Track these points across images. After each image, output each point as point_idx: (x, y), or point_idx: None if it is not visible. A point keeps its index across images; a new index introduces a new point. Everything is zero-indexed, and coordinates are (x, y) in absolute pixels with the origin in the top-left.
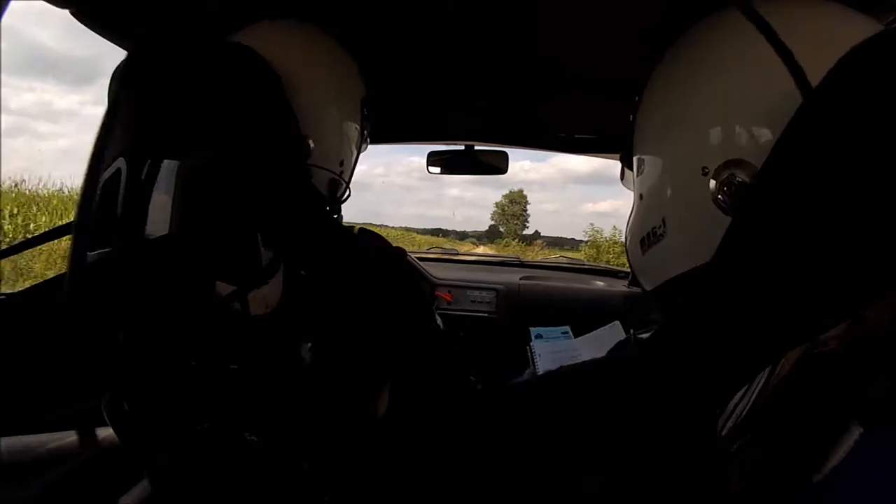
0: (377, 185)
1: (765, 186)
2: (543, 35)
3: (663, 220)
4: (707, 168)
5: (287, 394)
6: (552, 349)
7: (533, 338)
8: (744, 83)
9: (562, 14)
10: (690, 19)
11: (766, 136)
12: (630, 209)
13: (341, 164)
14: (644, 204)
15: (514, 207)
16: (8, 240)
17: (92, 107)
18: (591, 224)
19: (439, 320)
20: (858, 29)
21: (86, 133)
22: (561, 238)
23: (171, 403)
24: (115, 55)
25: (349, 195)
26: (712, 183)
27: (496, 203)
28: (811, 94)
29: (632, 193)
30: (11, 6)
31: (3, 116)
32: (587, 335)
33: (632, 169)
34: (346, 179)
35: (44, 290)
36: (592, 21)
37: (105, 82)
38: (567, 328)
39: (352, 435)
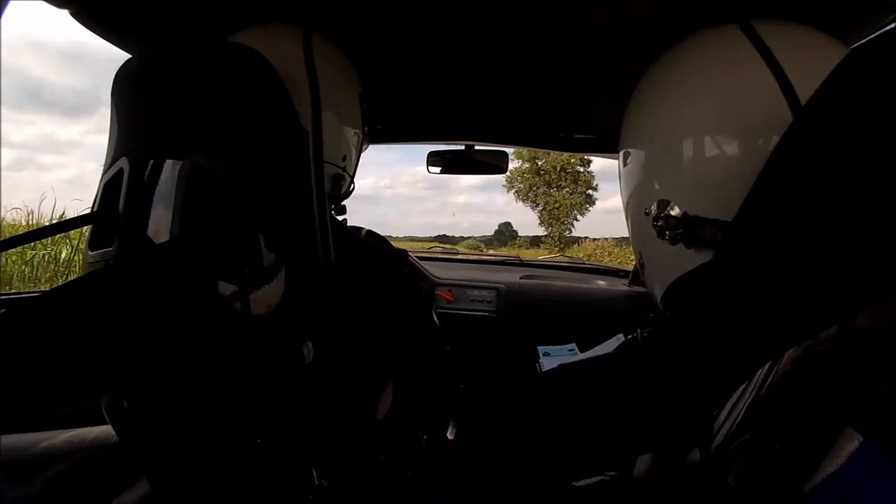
0: (384, 197)
1: (762, 192)
2: (543, 36)
3: (640, 254)
4: (648, 210)
5: (288, 394)
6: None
7: (541, 355)
8: (746, 99)
9: (561, 15)
10: (688, 21)
11: (687, 178)
12: None
13: (344, 158)
14: (630, 237)
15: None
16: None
17: (94, 136)
18: None
19: (436, 318)
20: (835, 53)
21: (89, 161)
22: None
23: (172, 403)
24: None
25: (353, 188)
26: (651, 220)
27: (513, 172)
28: (804, 105)
29: None
30: (8, 15)
31: (4, 151)
32: (593, 350)
33: None
34: (350, 174)
35: (49, 293)
36: (592, 22)
37: (104, 111)
38: (573, 345)
39: (353, 434)
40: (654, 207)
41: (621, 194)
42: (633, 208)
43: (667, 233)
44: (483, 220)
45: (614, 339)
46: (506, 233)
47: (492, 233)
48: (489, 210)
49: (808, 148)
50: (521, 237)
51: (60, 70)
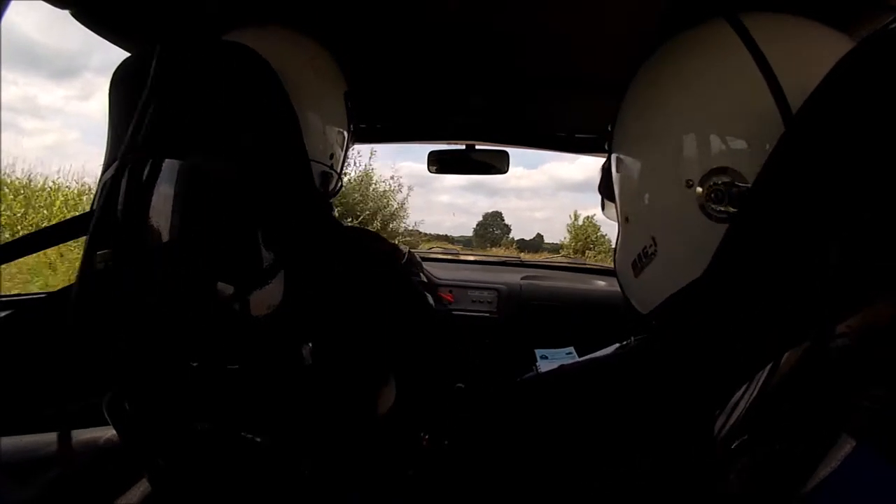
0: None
1: (762, 192)
2: (541, 36)
3: (653, 239)
4: (691, 180)
5: (288, 393)
6: None
7: (538, 359)
8: (723, 92)
9: (560, 15)
10: (687, 22)
11: (743, 144)
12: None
13: (331, 157)
14: (631, 226)
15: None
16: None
17: (77, 102)
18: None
19: (432, 300)
20: (832, 44)
21: (71, 129)
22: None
23: (172, 403)
24: (101, 49)
25: (341, 187)
26: (699, 191)
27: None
28: (806, 101)
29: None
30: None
31: None
32: (592, 355)
33: (612, 199)
34: (338, 171)
35: (52, 295)
36: (590, 22)
37: (90, 77)
38: (571, 349)
39: (353, 433)
40: (698, 179)
41: (621, 181)
42: (662, 184)
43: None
44: (465, 220)
45: (612, 346)
46: (492, 227)
47: (471, 234)
48: (472, 211)
49: (807, 147)
50: (511, 239)
51: (49, 29)
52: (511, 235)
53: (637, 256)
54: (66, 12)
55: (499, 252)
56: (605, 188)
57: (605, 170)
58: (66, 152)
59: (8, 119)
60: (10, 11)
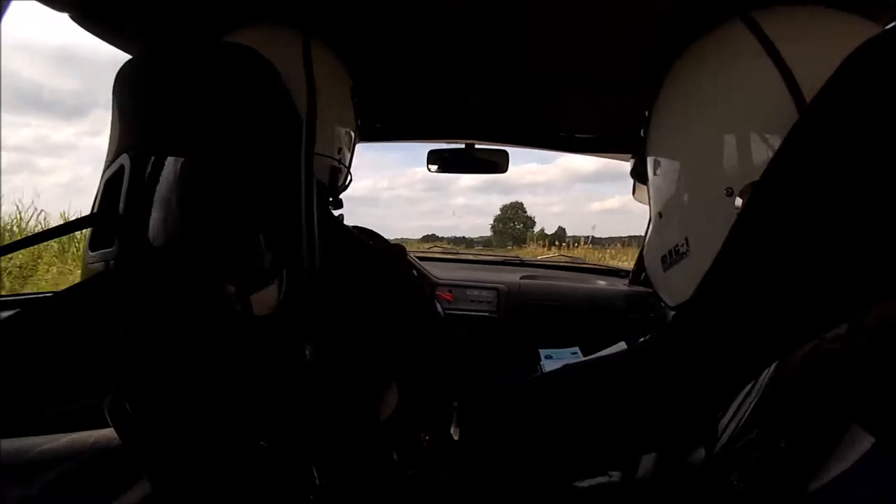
0: (382, 199)
1: (765, 192)
2: (541, 36)
3: (686, 239)
4: (731, 189)
5: (289, 394)
6: None
7: (543, 358)
8: (757, 100)
9: (560, 15)
10: (688, 21)
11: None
12: (647, 221)
13: (339, 151)
14: (664, 221)
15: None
16: None
17: (89, 138)
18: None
19: (440, 308)
20: (856, 35)
21: (86, 165)
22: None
23: (173, 404)
24: (107, 86)
25: (351, 180)
26: (738, 201)
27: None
28: (811, 101)
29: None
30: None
31: (3, 154)
32: (596, 354)
33: (645, 183)
34: (347, 165)
35: (53, 294)
36: (591, 22)
37: (99, 114)
38: (576, 349)
39: (355, 434)
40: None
41: (657, 179)
42: (701, 190)
43: None
44: (481, 221)
45: (616, 346)
46: (513, 221)
47: (489, 234)
48: (488, 212)
49: (814, 143)
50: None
51: (52, 72)
52: (540, 228)
53: (668, 252)
54: (68, 61)
55: (541, 252)
56: (639, 172)
57: (640, 156)
58: (80, 186)
59: (23, 160)
60: (13, 60)
